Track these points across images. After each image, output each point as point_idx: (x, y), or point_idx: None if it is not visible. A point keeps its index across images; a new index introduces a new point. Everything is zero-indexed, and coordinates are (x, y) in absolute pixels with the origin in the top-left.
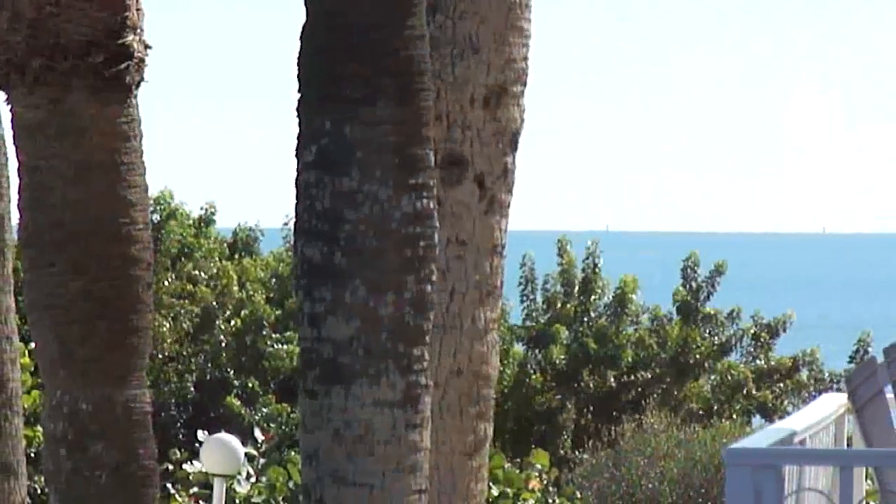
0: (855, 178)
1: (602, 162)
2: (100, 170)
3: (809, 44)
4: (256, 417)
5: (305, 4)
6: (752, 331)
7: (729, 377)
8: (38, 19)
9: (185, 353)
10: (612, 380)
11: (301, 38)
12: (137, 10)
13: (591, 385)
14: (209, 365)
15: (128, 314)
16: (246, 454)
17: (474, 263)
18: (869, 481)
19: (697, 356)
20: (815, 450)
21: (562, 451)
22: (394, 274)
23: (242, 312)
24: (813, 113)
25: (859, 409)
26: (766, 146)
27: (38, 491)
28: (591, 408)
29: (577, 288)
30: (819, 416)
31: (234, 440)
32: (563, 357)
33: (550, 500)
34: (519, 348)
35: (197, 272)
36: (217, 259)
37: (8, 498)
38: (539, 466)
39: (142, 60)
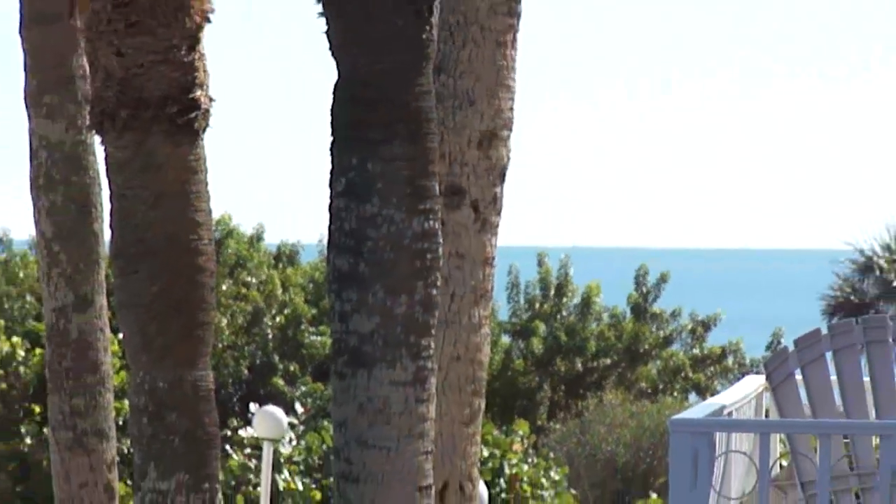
0: (774, 201)
1: (572, 186)
2: (173, 197)
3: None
4: (297, 394)
5: (337, 66)
6: (689, 326)
7: (671, 363)
8: (125, 78)
9: (239, 343)
10: (579, 365)
11: (334, 91)
12: (204, 71)
13: (563, 369)
14: (259, 352)
15: (195, 312)
16: (289, 423)
17: (470, 272)
18: (781, 445)
19: (646, 346)
20: (739, 420)
21: (539, 422)
22: (406, 280)
23: (285, 311)
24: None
25: (774, 388)
26: (704, 170)
27: (126, 451)
28: (563, 387)
29: (552, 292)
30: (742, 393)
31: (279, 411)
32: (540, 347)
33: (529, 460)
34: (505, 339)
35: (249, 279)
36: (265, 268)
37: (102, 457)
38: (521, 433)
39: (207, 111)
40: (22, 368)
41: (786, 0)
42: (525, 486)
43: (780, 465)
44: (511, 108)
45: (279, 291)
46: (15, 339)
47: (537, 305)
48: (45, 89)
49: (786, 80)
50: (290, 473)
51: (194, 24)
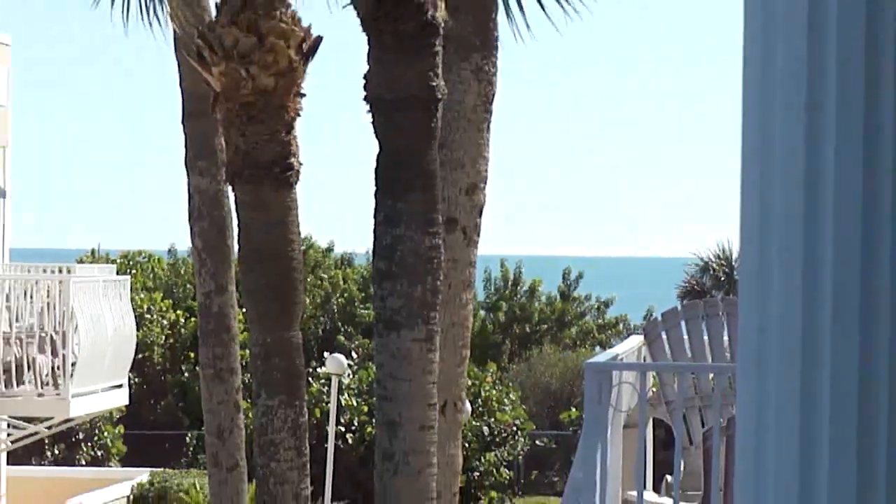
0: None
1: (521, 208)
2: (275, 225)
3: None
4: (352, 346)
5: (378, 143)
6: (596, 305)
7: (584, 328)
8: (247, 151)
9: (317, 314)
10: (527, 328)
11: (377, 159)
12: (296, 145)
13: (517, 331)
14: (328, 320)
15: (290, 296)
16: (347, 364)
17: (460, 271)
18: (653, 378)
19: (569, 318)
20: (627, 363)
21: (502, 364)
22: (421, 276)
23: (345, 295)
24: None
25: (649, 344)
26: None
27: (246, 382)
28: (517, 342)
29: (510, 283)
30: (629, 346)
31: (341, 357)
32: (503, 317)
33: (496, 389)
34: (482, 313)
35: (323, 275)
36: (333, 268)
37: (232, 385)
38: (490, 371)
39: (297, 171)
40: (182, 330)
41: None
42: (493, 403)
43: (652, 391)
44: (486, 169)
45: (341, 282)
46: (179, 311)
47: (501, 291)
48: (197, 157)
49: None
50: (348, 395)
51: (290, 118)
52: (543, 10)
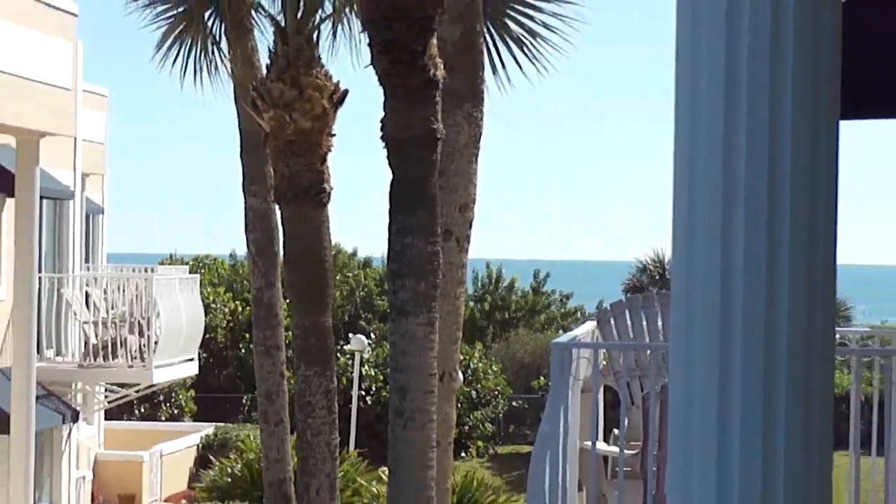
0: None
1: (499, 219)
2: (312, 235)
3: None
4: (371, 328)
5: (392, 172)
6: (559, 298)
7: (550, 315)
8: (290, 177)
9: (343, 304)
10: (507, 315)
11: (390, 187)
12: (328, 174)
13: (498, 318)
14: (352, 308)
15: (323, 290)
16: (367, 342)
17: (454, 271)
18: (603, 355)
19: (539, 308)
20: (584, 343)
21: (486, 342)
22: (424, 275)
23: (365, 289)
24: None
25: (600, 327)
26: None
27: (288, 357)
28: (498, 326)
29: (493, 280)
30: (585, 330)
31: (363, 337)
32: (487, 307)
33: (482, 363)
34: (471, 303)
35: (349, 274)
36: (357, 268)
37: (278, 358)
38: (477, 349)
39: (329, 194)
40: (240, 316)
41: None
42: (480, 373)
43: (603, 364)
44: (474, 192)
45: (363, 279)
46: (237, 302)
47: (486, 287)
48: (252, 183)
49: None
50: (367, 367)
51: (323, 152)
52: (520, 68)
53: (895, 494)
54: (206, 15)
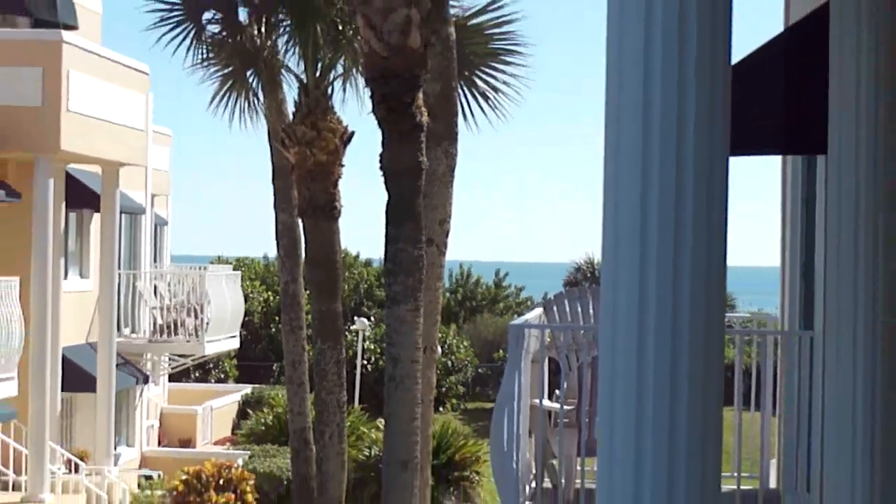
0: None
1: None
2: (326, 242)
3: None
4: (371, 313)
5: (387, 191)
6: (515, 291)
7: (508, 304)
8: (309, 198)
9: (350, 294)
10: (474, 304)
11: (386, 206)
12: (339, 193)
13: (468, 305)
14: (357, 298)
15: (335, 283)
16: (368, 324)
17: (434, 270)
18: (548, 334)
19: (499, 298)
20: (533, 324)
21: (460, 324)
22: (411, 273)
23: (366, 283)
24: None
25: (546, 313)
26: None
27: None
28: (468, 312)
29: (464, 277)
30: (534, 314)
31: (365, 320)
32: (459, 297)
33: (455, 339)
34: (447, 294)
35: (355, 272)
36: (360, 267)
37: (301, 336)
38: (452, 329)
39: (340, 210)
40: (271, 303)
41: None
42: (454, 347)
43: (548, 340)
44: (450, 209)
45: (365, 275)
46: (269, 293)
47: (458, 282)
48: (282, 202)
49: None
50: (368, 342)
51: (335, 179)
52: (485, 115)
53: (766, 438)
54: (248, 74)
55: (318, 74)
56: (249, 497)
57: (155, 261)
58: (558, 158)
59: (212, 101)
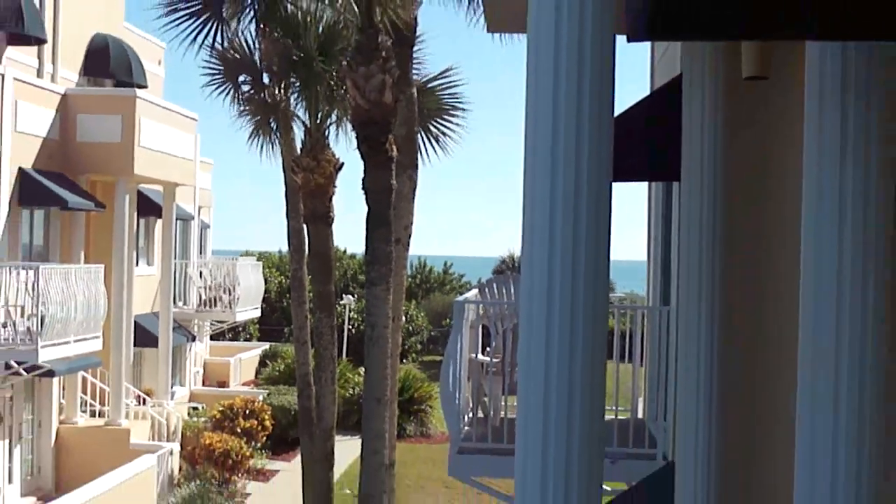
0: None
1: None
2: (323, 241)
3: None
4: (355, 292)
5: (367, 205)
6: (457, 277)
7: (453, 286)
8: (311, 209)
9: (340, 279)
10: (428, 286)
11: (366, 217)
12: (333, 208)
13: (424, 287)
14: (345, 282)
15: (329, 270)
16: (353, 300)
17: (401, 261)
18: (481, 307)
19: (446, 282)
20: (472, 300)
21: (418, 301)
22: (384, 264)
23: (352, 270)
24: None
25: (480, 292)
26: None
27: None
28: (424, 292)
29: (422, 267)
30: (472, 293)
31: (351, 297)
32: (418, 281)
33: (415, 311)
34: (409, 279)
35: (344, 262)
36: (347, 259)
37: (303, 309)
38: (413, 303)
39: (333, 218)
40: (283, 285)
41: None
42: (414, 316)
43: (481, 312)
44: (412, 218)
45: (352, 265)
46: (282, 277)
47: (418, 270)
48: (292, 212)
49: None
50: (353, 313)
51: (330, 196)
52: (436, 152)
53: (636, 383)
54: (269, 120)
55: (318, 121)
56: (267, 423)
57: (200, 253)
58: (491, 179)
59: (249, 139)
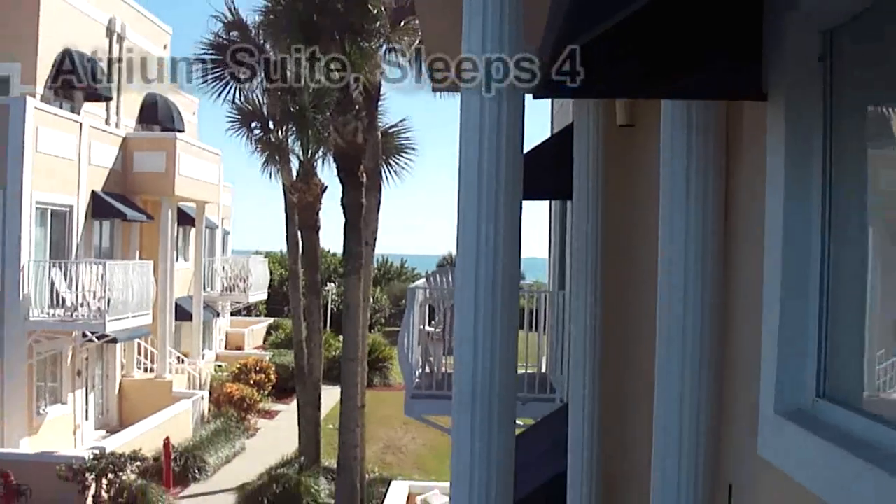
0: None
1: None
2: (312, 244)
3: None
4: (336, 281)
5: (345, 216)
6: (412, 269)
7: (408, 277)
8: (304, 220)
9: (324, 270)
10: (389, 276)
11: (344, 225)
12: (319, 218)
13: (387, 277)
14: (328, 272)
15: (317, 265)
16: (334, 286)
17: (369, 258)
18: (428, 291)
19: (402, 273)
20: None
21: (382, 288)
22: (357, 259)
23: (333, 264)
24: None
25: (427, 280)
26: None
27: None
28: (385, 280)
29: (386, 263)
30: (421, 282)
31: (332, 285)
32: (382, 272)
33: (380, 294)
34: (375, 272)
35: (328, 259)
36: (331, 256)
37: (298, 294)
38: (378, 289)
39: (320, 227)
40: (284, 275)
41: None
42: (378, 299)
43: (427, 295)
44: (377, 224)
45: (333, 261)
46: (283, 269)
47: (382, 265)
48: (289, 221)
49: None
50: (334, 295)
51: (318, 210)
52: (395, 179)
53: (541, 346)
54: (274, 155)
55: (309, 156)
56: (272, 376)
57: (223, 253)
58: (437, 196)
59: (262, 168)
